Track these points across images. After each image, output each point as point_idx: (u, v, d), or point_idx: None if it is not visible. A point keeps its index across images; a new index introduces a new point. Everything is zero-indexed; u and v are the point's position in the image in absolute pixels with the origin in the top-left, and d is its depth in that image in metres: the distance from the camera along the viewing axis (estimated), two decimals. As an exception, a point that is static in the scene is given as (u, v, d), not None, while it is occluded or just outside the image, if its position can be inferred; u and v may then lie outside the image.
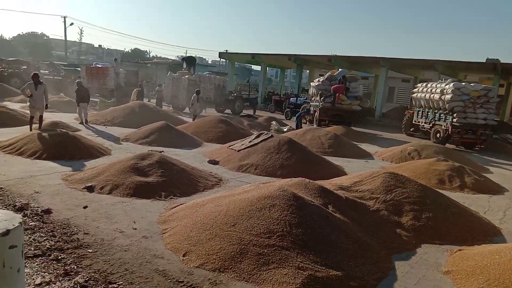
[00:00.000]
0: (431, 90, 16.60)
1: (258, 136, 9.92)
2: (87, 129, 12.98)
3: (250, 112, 26.17)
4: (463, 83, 15.99)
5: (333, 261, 4.03)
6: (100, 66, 25.89)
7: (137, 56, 76.63)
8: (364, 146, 13.98)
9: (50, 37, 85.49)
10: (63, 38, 61.35)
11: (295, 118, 17.35)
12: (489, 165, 12.35)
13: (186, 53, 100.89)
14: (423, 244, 5.06)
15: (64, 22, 57.94)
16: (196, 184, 6.91)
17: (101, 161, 8.37)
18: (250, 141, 9.74)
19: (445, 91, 15.55)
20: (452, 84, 15.47)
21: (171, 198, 6.15)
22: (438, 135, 16.31)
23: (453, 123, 15.32)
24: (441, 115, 16.14)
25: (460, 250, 4.84)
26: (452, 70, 27.50)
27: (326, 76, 19.93)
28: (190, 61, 25.23)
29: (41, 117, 10.93)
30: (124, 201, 5.82)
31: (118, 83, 23.86)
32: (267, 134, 9.98)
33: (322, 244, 4.22)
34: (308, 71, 41.11)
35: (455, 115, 15.14)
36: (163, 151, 9.94)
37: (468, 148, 15.68)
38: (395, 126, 23.38)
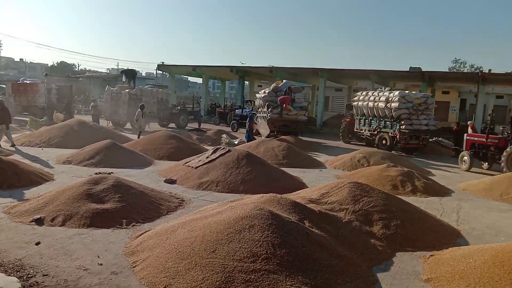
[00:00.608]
0: (374, 98, 17.40)
1: (215, 151, 9.66)
2: (16, 152, 11.77)
3: (195, 125, 25.75)
4: (407, 92, 17.03)
5: (322, 280, 3.93)
6: (28, 82, 23.92)
7: (64, 70, 71.87)
8: (314, 155, 14.29)
9: (-40, 50, 77.50)
10: None
11: (245, 131, 17.25)
12: (430, 167, 13.22)
13: (117, 65, 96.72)
14: (397, 252, 5.16)
15: (-19, 34, 52.85)
16: (158, 207, 6.48)
17: (44, 188, 7.58)
18: (207, 157, 9.45)
19: (390, 99, 16.42)
20: (397, 92, 16.38)
21: (133, 225, 5.69)
22: (383, 141, 17.08)
23: (401, 130, 16.12)
24: (387, 122, 16.93)
25: (432, 255, 5.01)
26: (383, 78, 29.36)
27: (271, 88, 20.19)
28: (130, 74, 24.18)
29: None
30: (81, 232, 5.26)
31: (50, 100, 22.15)
32: (223, 148, 9.76)
33: (308, 263, 4.11)
34: (247, 82, 41.58)
35: (402, 122, 16.04)
36: (112, 172, 9.34)
37: (408, 153, 16.68)
38: (335, 133, 24.26)
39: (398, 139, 16.33)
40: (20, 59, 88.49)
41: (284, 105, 18.25)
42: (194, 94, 39.76)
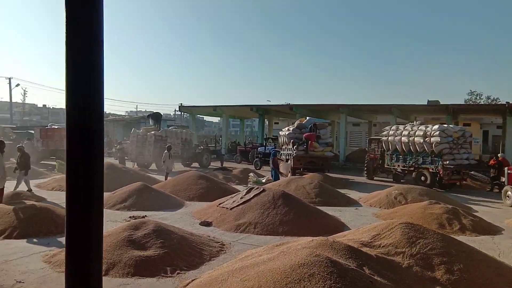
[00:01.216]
0: (408, 133, 16.79)
1: (249, 191, 9.44)
2: (48, 197, 11.80)
3: (218, 164, 25.73)
4: (445, 125, 16.46)
5: (398, 336, 3.55)
6: (56, 127, 24.57)
7: None
8: (344, 192, 13.87)
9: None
10: (2, 100, 57.98)
11: (270, 168, 17.04)
12: (469, 203, 12.61)
13: (136, 108, 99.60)
14: (467, 300, 4.72)
15: (10, 83, 55.43)
16: (200, 252, 6.23)
17: (81, 233, 7.42)
18: (241, 197, 9.22)
19: (428, 133, 15.88)
20: (436, 126, 15.87)
21: (178, 273, 5.43)
22: (423, 178, 16.32)
23: (444, 165, 15.39)
24: (425, 158, 16.12)
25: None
26: (404, 112, 29.07)
27: (295, 125, 20.12)
28: (156, 117, 24.67)
29: (1, 189, 9.79)
30: (126, 282, 5.03)
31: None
32: (258, 188, 9.54)
33: (379, 316, 3.74)
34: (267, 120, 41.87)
35: (445, 157, 15.46)
36: (146, 216, 9.20)
37: (444, 188, 15.89)
38: (358, 168, 23.76)
39: (441, 175, 15.57)
40: (43, 105, 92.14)
41: (310, 141, 18.07)
42: (215, 133, 40.14)
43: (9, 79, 53.38)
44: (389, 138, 17.52)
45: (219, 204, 9.38)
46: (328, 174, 18.00)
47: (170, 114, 77.39)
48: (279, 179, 15.45)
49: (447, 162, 15.28)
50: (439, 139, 15.45)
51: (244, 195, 9.36)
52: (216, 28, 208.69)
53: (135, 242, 5.94)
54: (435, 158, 15.79)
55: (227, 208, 9.02)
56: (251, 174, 16.34)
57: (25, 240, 6.83)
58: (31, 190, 12.24)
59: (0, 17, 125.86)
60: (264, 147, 24.93)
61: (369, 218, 9.79)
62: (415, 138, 16.30)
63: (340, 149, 29.86)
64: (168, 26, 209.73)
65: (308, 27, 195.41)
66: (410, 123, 18.02)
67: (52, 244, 6.67)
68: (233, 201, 9.21)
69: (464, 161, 15.69)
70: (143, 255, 5.62)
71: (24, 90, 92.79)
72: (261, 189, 9.41)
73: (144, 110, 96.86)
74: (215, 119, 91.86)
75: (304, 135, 18.51)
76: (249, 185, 15.32)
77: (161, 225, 6.59)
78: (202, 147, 25.49)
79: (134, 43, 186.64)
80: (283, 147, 20.83)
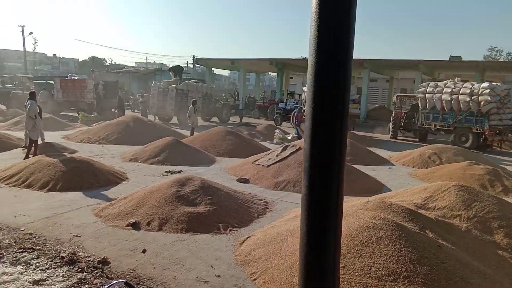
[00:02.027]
0: (451, 91, 15.88)
1: (284, 149, 9.30)
2: (80, 149, 11.86)
3: (236, 119, 25.59)
4: (494, 83, 15.64)
5: (476, 302, 3.48)
6: (76, 78, 24.38)
7: (96, 65, 73.46)
8: (373, 150, 13.64)
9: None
10: (13, 49, 57.17)
11: (294, 125, 16.75)
12: (503, 164, 12.33)
13: (146, 59, 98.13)
14: (531, 266, 4.62)
15: (22, 31, 54.59)
16: (247, 210, 6.20)
17: (122, 188, 7.47)
18: (277, 155, 9.10)
19: (475, 91, 15.11)
20: (485, 84, 15.06)
21: (230, 230, 5.41)
22: (463, 138, 15.70)
23: (491, 126, 14.79)
24: (469, 117, 15.39)
25: None
26: (430, 69, 28.02)
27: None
28: (177, 70, 24.19)
29: (36, 141, 9.80)
30: (181, 238, 5.03)
31: (99, 95, 22.50)
32: (293, 146, 9.38)
33: (454, 282, 3.66)
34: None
35: (492, 117, 14.84)
36: (181, 171, 9.19)
37: (480, 149, 15.35)
38: (379, 126, 23.33)
39: (486, 135, 14.99)
40: (53, 54, 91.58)
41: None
42: (235, 88, 39.55)
43: (22, 27, 52.58)
44: (427, 95, 16.73)
45: (254, 161, 9.28)
46: (354, 131, 17.72)
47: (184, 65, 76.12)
48: (300, 138, 15.22)
49: (495, 122, 14.74)
50: (489, 98, 14.69)
51: (280, 152, 9.23)
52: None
53: (184, 198, 5.91)
54: (481, 118, 15.15)
55: (263, 165, 8.93)
56: (277, 131, 16.12)
57: (69, 192, 6.87)
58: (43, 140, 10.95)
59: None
60: (285, 103, 24.50)
61: (406, 178, 9.64)
62: (460, 96, 15.48)
63: (361, 106, 29.26)
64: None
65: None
66: (450, 80, 17.16)
67: (98, 197, 6.70)
68: (269, 159, 9.10)
69: (509, 121, 15.14)
70: (194, 211, 5.60)
71: (35, 39, 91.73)
72: (297, 147, 9.25)
73: (153, 61, 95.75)
74: (225, 73, 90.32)
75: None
76: (274, 142, 15.19)
77: (206, 181, 6.53)
78: (222, 101, 25.20)
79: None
80: (305, 103, 20.40)
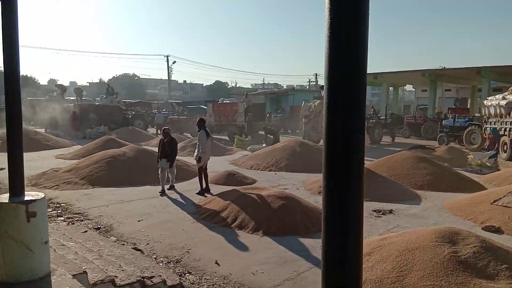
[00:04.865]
0: None
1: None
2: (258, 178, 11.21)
3: (387, 140, 23.19)
4: None
5: None
6: (227, 102, 25.22)
7: (220, 89, 77.53)
8: None
9: (141, 77, 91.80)
10: (151, 77, 64.52)
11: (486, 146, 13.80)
12: None
13: (263, 80, 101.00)
14: None
15: (167, 60, 61.39)
16: None
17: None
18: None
19: None
20: None
21: None
22: None
23: None
24: None
25: None
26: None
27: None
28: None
29: (206, 168, 9.36)
30: None
31: (250, 118, 22.67)
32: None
33: None
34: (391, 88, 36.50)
35: None
36: (392, 210, 7.62)
37: None
38: None
39: None
40: (183, 81, 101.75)
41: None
42: (373, 104, 37.00)
43: (167, 56, 59.11)
44: None
45: (494, 201, 7.14)
46: None
47: (303, 85, 75.22)
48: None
49: None
50: None
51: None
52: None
53: (467, 264, 4.25)
54: None
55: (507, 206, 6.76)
56: (471, 155, 13.37)
57: (286, 237, 5.84)
58: (174, 186, 9.50)
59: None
60: (452, 119, 21.19)
61: None
62: None
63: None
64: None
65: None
66: None
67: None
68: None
69: None
70: (499, 291, 3.89)
71: (171, 67, 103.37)
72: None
73: (267, 82, 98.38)
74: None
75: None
76: (468, 169, 12.55)
77: (484, 238, 4.77)
78: (374, 120, 23.13)
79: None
80: (489, 120, 17.03)
